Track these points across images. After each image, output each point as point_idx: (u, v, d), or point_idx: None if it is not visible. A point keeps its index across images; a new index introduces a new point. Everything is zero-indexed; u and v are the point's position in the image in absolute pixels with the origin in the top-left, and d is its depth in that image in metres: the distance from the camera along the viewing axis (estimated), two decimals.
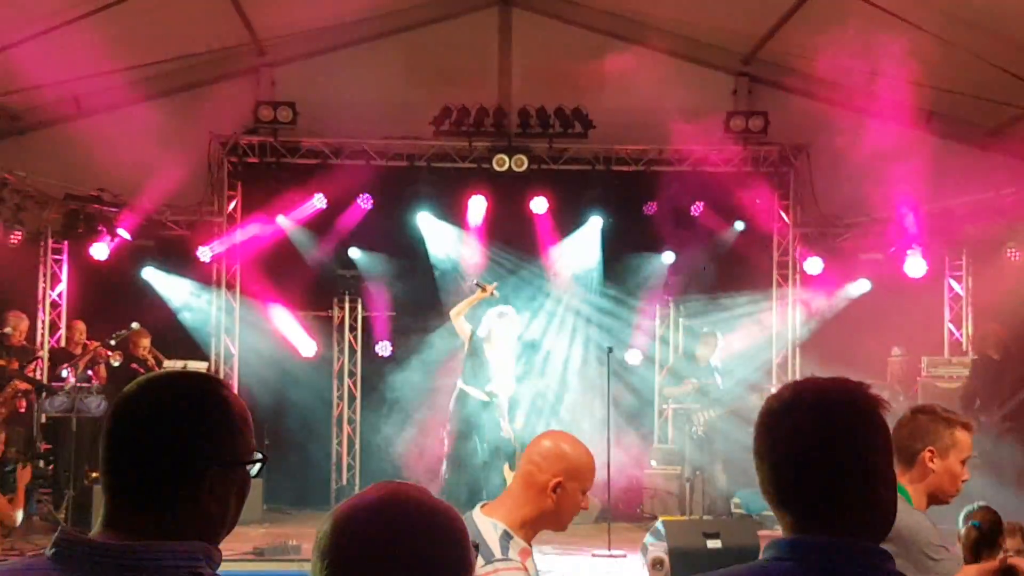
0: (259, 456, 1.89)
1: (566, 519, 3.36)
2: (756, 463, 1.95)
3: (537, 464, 3.32)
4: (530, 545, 3.33)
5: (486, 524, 3.28)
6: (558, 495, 3.27)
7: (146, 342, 11.70)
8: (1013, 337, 11.07)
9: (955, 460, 3.72)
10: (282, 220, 12.82)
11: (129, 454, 1.79)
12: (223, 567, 1.88)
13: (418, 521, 1.59)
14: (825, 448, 1.88)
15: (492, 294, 10.55)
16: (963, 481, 3.74)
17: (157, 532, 1.74)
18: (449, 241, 13.02)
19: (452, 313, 10.68)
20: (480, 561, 3.15)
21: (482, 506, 3.41)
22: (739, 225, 13.01)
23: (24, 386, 10.85)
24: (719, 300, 12.94)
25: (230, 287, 12.99)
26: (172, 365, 11.49)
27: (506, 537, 3.24)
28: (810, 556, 1.85)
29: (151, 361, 11.65)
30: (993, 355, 11.04)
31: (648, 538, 9.21)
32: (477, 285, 10.64)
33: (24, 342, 11.36)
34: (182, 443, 1.79)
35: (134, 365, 11.25)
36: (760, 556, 1.94)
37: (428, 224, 12.96)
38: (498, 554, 3.19)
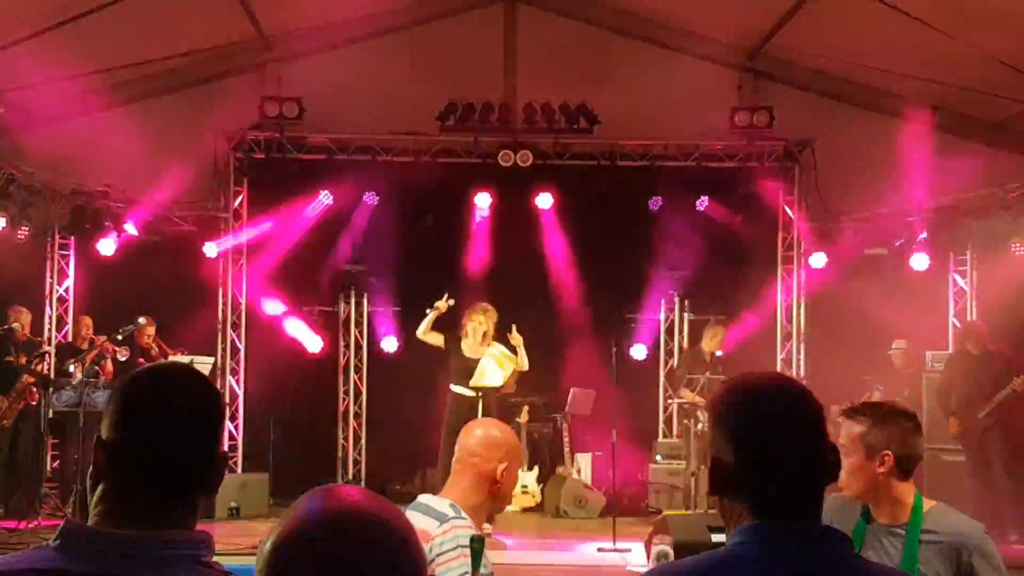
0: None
1: (510, 497, 3.70)
2: (721, 453, 1.99)
3: (481, 455, 3.55)
4: (479, 529, 3.51)
5: (433, 499, 3.52)
6: (504, 478, 3.55)
7: (151, 330, 11.69)
8: (996, 334, 11.08)
9: None
10: (288, 215, 12.84)
11: (164, 445, 1.81)
12: (230, 561, 1.91)
13: (364, 534, 1.45)
14: (798, 435, 1.97)
15: (447, 306, 10.60)
16: None
17: (164, 521, 1.77)
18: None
19: (418, 334, 10.72)
20: (434, 523, 3.38)
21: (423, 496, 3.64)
22: (744, 220, 13.00)
23: (31, 380, 10.89)
24: (724, 294, 12.96)
25: (236, 282, 13.03)
26: (176, 359, 11.52)
27: (455, 507, 3.45)
28: (774, 539, 1.91)
29: (155, 351, 11.65)
30: (971, 350, 11.05)
31: (653, 532, 9.23)
32: (431, 308, 10.66)
33: (28, 335, 11.40)
34: (208, 432, 1.85)
35: (141, 360, 11.27)
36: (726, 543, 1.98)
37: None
38: (451, 514, 3.40)
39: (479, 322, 10.45)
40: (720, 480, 2.00)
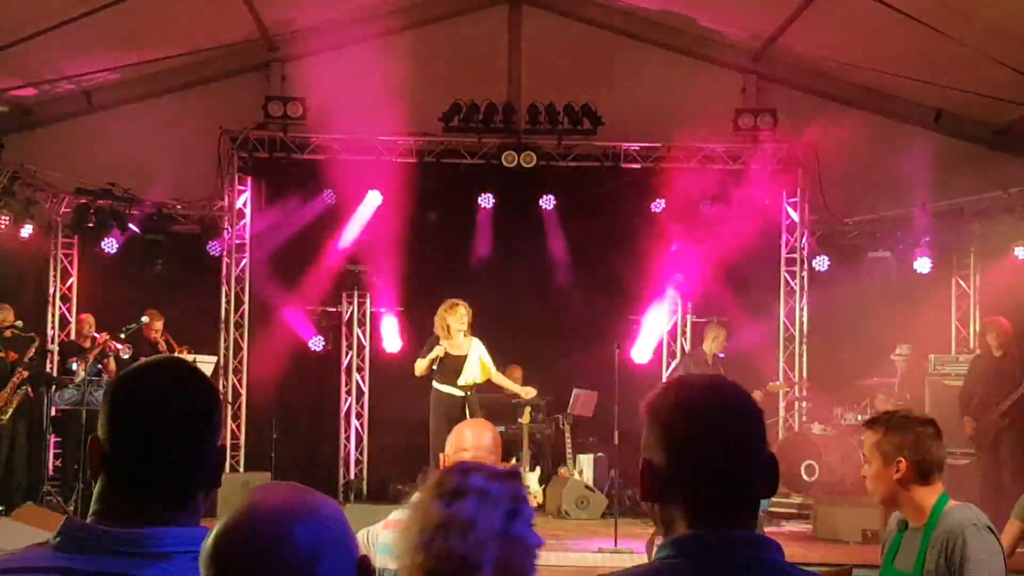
0: None
1: None
2: (653, 456, 1.91)
3: (497, 454, 3.70)
4: None
5: None
6: None
7: (159, 324, 11.67)
8: (1017, 333, 11.02)
9: None
10: (291, 215, 12.83)
11: (156, 442, 1.80)
12: None
13: (274, 533, 1.48)
14: (732, 441, 1.88)
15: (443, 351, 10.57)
16: None
17: (162, 518, 1.77)
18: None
19: (417, 370, 10.55)
20: None
21: None
22: (747, 223, 12.96)
23: (25, 374, 10.80)
24: (727, 296, 12.92)
25: (239, 282, 13.03)
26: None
27: None
28: (703, 552, 1.82)
29: (162, 345, 11.63)
30: (994, 351, 10.98)
31: (654, 533, 9.23)
32: (434, 346, 10.51)
33: (17, 330, 11.27)
34: (201, 426, 1.84)
35: (143, 358, 11.20)
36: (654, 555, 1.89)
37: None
38: None
39: (461, 315, 10.42)
40: (651, 484, 1.90)
